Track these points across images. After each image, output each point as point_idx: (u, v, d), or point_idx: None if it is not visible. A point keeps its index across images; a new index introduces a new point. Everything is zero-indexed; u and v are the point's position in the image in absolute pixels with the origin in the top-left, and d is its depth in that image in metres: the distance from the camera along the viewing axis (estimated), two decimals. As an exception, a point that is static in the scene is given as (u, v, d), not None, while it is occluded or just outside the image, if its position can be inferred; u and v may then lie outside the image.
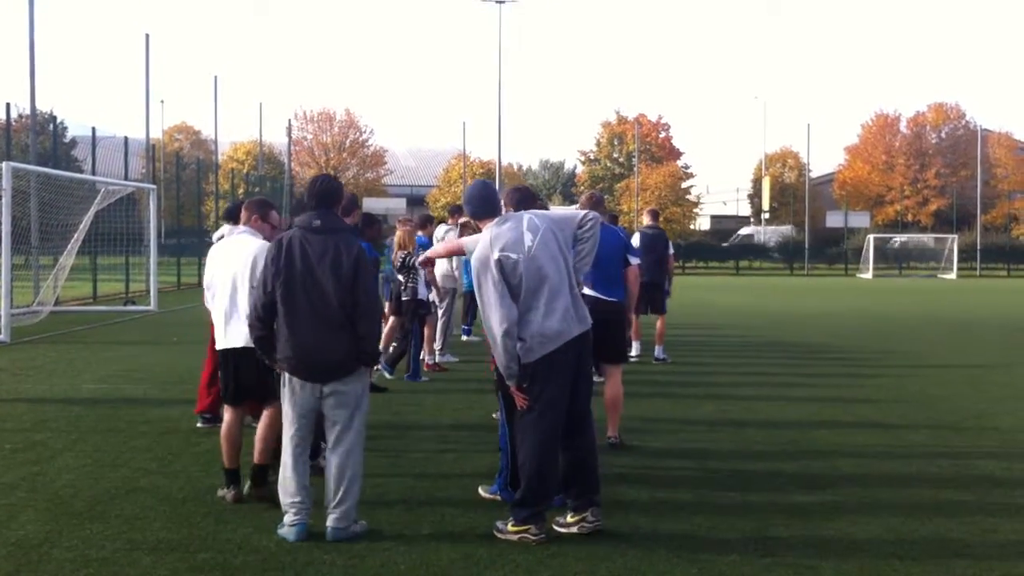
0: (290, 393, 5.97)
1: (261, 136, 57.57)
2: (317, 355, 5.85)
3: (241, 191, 48.37)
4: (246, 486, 6.66)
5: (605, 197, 9.70)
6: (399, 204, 56.72)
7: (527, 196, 6.65)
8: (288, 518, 5.90)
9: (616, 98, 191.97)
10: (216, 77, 45.91)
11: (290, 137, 59.36)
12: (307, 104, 79.62)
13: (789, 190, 71.06)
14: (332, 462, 5.95)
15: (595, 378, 9.31)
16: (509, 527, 5.86)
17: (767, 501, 6.84)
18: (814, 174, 72.40)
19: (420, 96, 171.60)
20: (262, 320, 5.98)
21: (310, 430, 6.10)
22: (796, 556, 5.70)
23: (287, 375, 5.97)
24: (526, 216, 6.05)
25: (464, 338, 17.28)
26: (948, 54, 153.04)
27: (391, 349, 12.32)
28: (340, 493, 5.87)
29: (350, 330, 5.87)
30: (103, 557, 5.53)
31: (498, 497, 6.67)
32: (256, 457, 6.66)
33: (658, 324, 14.76)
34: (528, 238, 5.88)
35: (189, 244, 38.10)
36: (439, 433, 9.10)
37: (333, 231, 5.93)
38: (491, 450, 8.34)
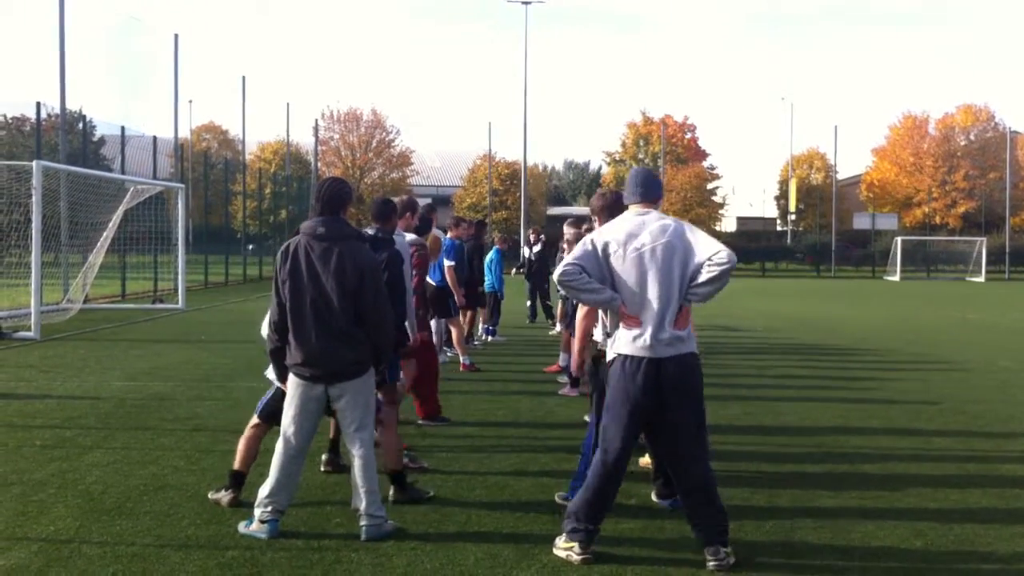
0: (295, 396, 5.98)
1: (288, 136, 57.85)
2: (324, 361, 5.85)
3: (268, 191, 48.64)
4: (390, 490, 6.67)
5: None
6: (424, 204, 56.80)
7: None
8: (262, 514, 5.90)
9: (642, 99, 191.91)
10: (244, 77, 46.23)
11: (317, 137, 59.57)
12: (334, 104, 79.83)
13: (816, 192, 70.73)
14: (356, 463, 5.98)
15: None
16: (561, 542, 5.71)
17: (794, 504, 6.83)
18: (841, 176, 72.03)
19: (446, 97, 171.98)
20: (277, 331, 5.99)
21: (308, 436, 6.07)
22: (823, 559, 5.69)
23: (293, 377, 5.98)
24: (662, 220, 5.74)
25: (488, 339, 17.33)
26: (977, 55, 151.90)
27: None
28: (366, 486, 5.91)
29: (357, 335, 5.88)
30: (132, 553, 5.58)
31: (569, 503, 6.65)
32: (390, 465, 6.72)
33: None
34: (646, 238, 5.65)
35: (217, 243, 38.31)
36: (465, 432, 9.12)
37: (338, 237, 5.89)
38: (516, 449, 8.39)
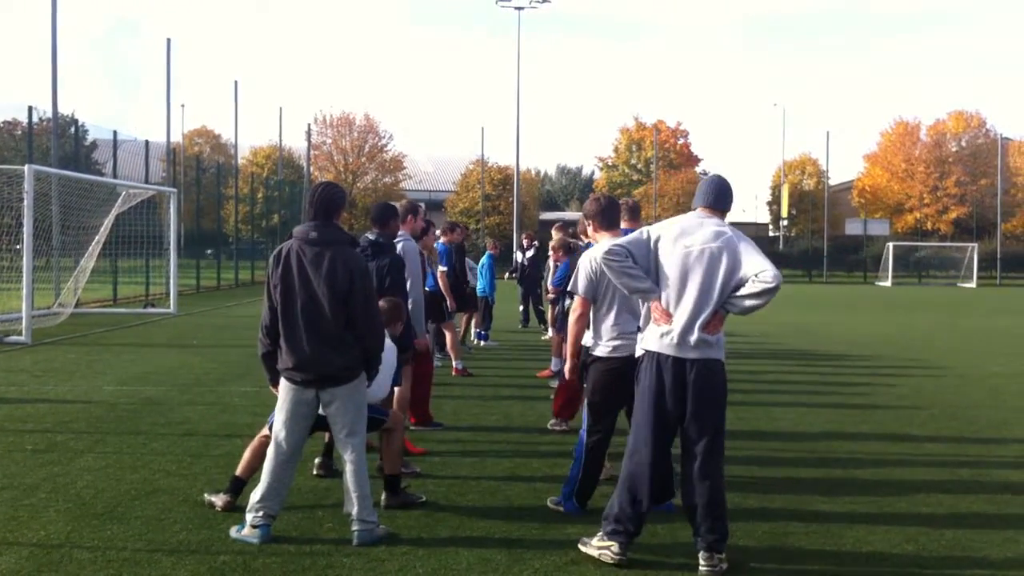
0: (286, 400, 5.96)
1: (281, 140, 57.84)
2: (315, 366, 5.84)
3: (260, 196, 48.58)
4: (382, 495, 6.63)
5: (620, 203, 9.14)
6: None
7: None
8: (253, 519, 5.87)
9: (634, 104, 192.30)
10: (236, 81, 45.97)
11: (309, 142, 59.58)
12: (327, 109, 79.69)
13: (808, 197, 70.87)
14: (348, 468, 5.96)
15: None
16: (593, 541, 5.70)
17: (786, 508, 6.84)
18: (833, 182, 72.12)
19: (439, 101, 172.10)
20: (269, 335, 5.98)
21: (299, 441, 6.05)
22: (815, 564, 5.69)
23: (284, 382, 5.97)
24: (719, 228, 5.69)
25: (481, 343, 17.31)
26: (969, 62, 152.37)
27: None
28: (358, 491, 5.89)
29: (348, 340, 5.86)
30: (124, 558, 5.56)
31: (561, 508, 6.66)
32: (387, 469, 6.71)
33: None
34: (697, 239, 5.62)
35: (209, 247, 38.21)
36: (457, 437, 9.11)
37: (330, 243, 5.88)
38: (509, 454, 8.38)
